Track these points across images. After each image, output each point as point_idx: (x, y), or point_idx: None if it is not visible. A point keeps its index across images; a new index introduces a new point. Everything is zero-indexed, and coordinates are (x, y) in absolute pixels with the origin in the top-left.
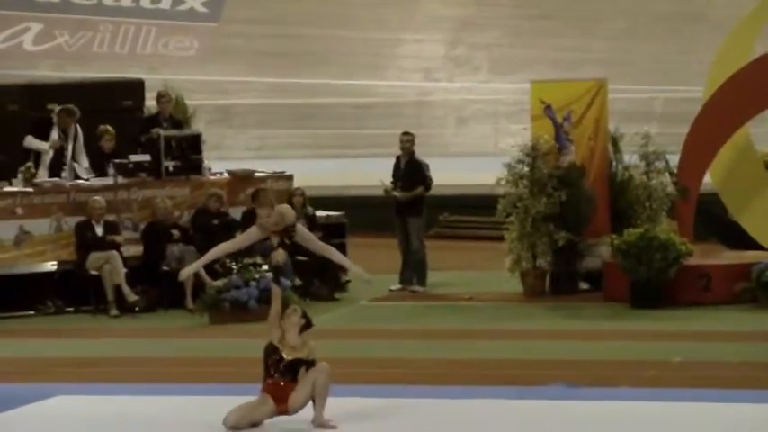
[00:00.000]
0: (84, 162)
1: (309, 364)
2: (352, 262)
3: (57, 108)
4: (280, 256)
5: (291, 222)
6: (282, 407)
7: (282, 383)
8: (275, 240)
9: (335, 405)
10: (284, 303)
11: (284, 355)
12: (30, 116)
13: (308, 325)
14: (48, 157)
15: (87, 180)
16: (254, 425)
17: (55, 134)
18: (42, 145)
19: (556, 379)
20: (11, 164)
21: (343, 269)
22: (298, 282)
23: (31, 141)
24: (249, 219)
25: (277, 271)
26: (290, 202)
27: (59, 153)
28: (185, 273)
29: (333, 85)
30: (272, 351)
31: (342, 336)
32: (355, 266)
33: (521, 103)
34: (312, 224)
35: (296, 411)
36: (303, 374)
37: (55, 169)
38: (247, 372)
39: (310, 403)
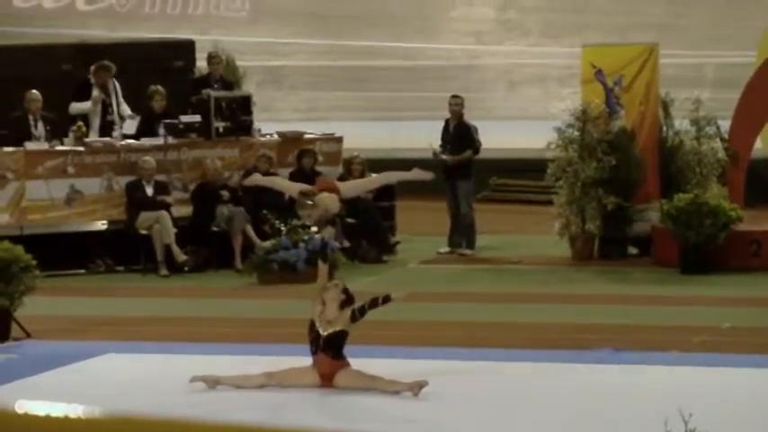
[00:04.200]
0: (127, 110)
1: (346, 334)
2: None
3: (92, 67)
4: (328, 233)
5: (336, 211)
6: (327, 383)
7: (326, 362)
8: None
9: (380, 366)
10: (332, 265)
11: (320, 331)
12: (77, 77)
13: (349, 300)
14: (96, 119)
15: (134, 132)
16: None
17: (95, 92)
18: (86, 105)
19: (604, 343)
20: (63, 123)
21: (392, 231)
22: (346, 244)
23: (74, 107)
24: (297, 180)
25: (324, 247)
26: (348, 170)
27: (104, 111)
28: (251, 180)
29: (383, 48)
30: (310, 327)
31: None
32: (413, 171)
33: (571, 67)
34: None
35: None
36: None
37: (105, 129)
38: (295, 332)
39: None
